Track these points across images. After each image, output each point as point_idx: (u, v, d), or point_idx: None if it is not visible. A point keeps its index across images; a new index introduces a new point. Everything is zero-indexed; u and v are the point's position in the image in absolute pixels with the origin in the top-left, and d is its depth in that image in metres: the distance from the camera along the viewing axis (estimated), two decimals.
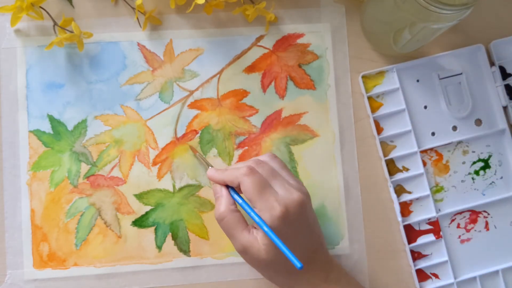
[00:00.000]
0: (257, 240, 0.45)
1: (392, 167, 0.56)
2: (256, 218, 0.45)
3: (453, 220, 0.56)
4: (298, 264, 0.42)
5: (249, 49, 0.56)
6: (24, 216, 0.54)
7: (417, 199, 0.55)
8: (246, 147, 0.55)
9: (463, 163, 0.56)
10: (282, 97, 0.56)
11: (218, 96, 0.56)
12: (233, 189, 0.48)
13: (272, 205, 0.44)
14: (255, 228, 0.46)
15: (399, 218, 0.55)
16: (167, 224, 0.54)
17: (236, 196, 0.47)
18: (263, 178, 0.46)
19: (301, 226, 0.46)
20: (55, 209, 0.54)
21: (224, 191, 0.48)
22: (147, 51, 0.56)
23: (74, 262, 0.54)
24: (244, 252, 0.46)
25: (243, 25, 0.56)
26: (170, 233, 0.54)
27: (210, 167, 0.51)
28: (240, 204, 0.47)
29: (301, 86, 0.56)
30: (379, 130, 0.56)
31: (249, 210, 0.45)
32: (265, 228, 0.44)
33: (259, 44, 0.56)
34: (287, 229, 0.45)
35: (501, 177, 0.56)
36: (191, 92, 0.56)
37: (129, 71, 0.55)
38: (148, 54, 0.56)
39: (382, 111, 0.56)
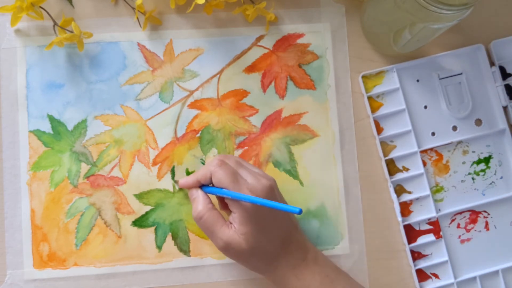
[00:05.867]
0: (236, 233, 0.47)
1: (392, 167, 0.56)
2: (240, 195, 0.46)
3: (453, 220, 0.56)
4: (296, 209, 0.43)
5: (249, 49, 0.56)
6: (24, 216, 0.54)
7: (417, 199, 0.55)
8: (246, 147, 0.55)
9: (463, 163, 0.56)
10: (282, 97, 0.56)
11: (218, 96, 0.56)
12: (206, 187, 0.50)
13: (244, 192, 0.47)
14: (232, 223, 0.48)
15: (399, 218, 0.55)
16: (167, 224, 0.54)
17: (211, 189, 0.49)
18: (232, 168, 0.48)
19: (273, 210, 0.48)
20: (55, 209, 0.54)
21: (199, 192, 0.50)
22: (147, 51, 0.56)
23: (74, 262, 0.54)
24: (226, 247, 0.48)
25: (243, 25, 0.56)
26: (170, 233, 0.54)
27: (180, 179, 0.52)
28: (217, 192, 0.48)
29: (301, 86, 0.56)
30: (379, 130, 0.56)
31: (229, 193, 0.47)
32: (253, 199, 0.46)
33: (259, 44, 0.56)
34: (261, 214, 0.47)
35: (501, 177, 0.56)
36: (191, 92, 0.56)
37: (129, 71, 0.55)
38: (148, 54, 0.56)
39: (382, 111, 0.56)
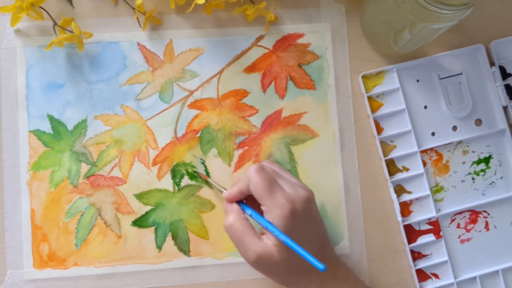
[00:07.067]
0: (267, 244, 0.46)
1: (392, 167, 0.56)
2: (269, 226, 0.45)
3: (453, 220, 0.56)
4: (320, 266, 0.42)
5: (249, 49, 0.56)
6: (24, 216, 0.54)
7: (417, 199, 0.55)
8: (246, 147, 0.55)
9: (463, 163, 0.56)
10: (282, 97, 0.56)
11: (218, 96, 0.56)
12: (243, 203, 0.49)
13: (281, 202, 0.45)
14: (263, 233, 0.47)
15: (399, 218, 0.55)
16: (167, 224, 0.54)
17: (246, 209, 0.48)
18: (271, 175, 0.47)
19: (309, 223, 0.47)
20: (55, 209, 0.54)
21: (234, 204, 0.49)
22: (147, 51, 0.56)
23: (74, 262, 0.54)
24: (258, 259, 0.46)
25: (243, 25, 0.56)
26: (170, 233, 0.54)
27: (223, 189, 0.51)
28: (251, 215, 0.47)
29: (301, 86, 0.56)
30: (379, 130, 0.56)
31: (260, 219, 0.46)
32: (283, 237, 0.44)
33: (259, 44, 0.56)
34: (296, 226, 0.46)
35: (501, 177, 0.56)
36: (191, 92, 0.56)
37: (129, 71, 0.55)
38: (148, 54, 0.56)
39: (382, 111, 0.56)
